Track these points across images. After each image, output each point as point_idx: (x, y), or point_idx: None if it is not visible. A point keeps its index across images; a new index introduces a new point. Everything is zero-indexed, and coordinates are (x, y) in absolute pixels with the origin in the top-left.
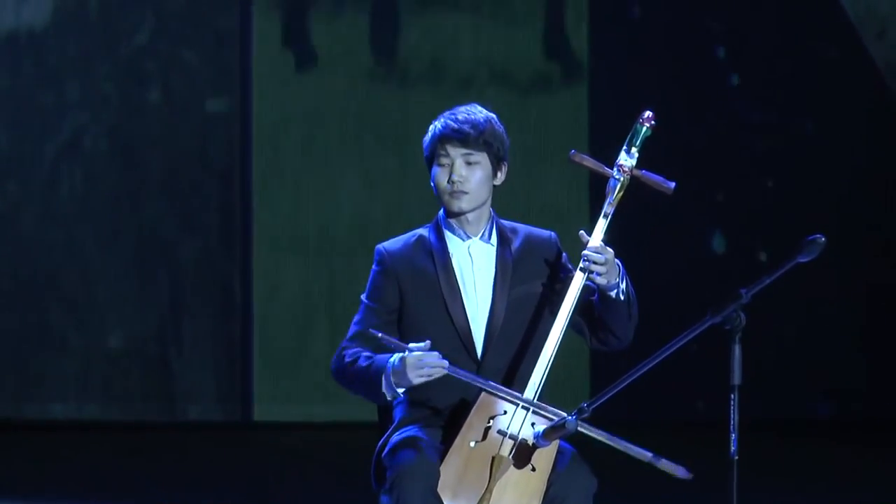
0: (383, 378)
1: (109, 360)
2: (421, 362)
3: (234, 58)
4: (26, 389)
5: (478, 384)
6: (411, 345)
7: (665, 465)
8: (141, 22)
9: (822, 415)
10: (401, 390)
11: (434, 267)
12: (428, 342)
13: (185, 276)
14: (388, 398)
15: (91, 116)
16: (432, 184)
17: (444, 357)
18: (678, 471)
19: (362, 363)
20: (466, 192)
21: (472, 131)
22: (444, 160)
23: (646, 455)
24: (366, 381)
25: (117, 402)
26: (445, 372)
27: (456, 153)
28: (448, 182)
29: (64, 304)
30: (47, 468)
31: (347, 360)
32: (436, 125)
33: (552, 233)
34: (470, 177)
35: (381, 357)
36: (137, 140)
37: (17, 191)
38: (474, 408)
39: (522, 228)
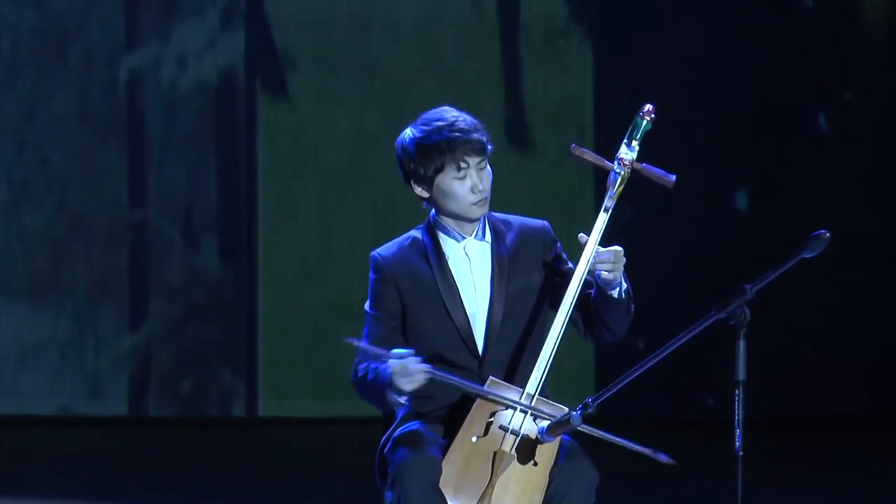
0: (385, 389)
1: (113, 357)
2: (406, 370)
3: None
4: (30, 383)
5: (459, 385)
6: (394, 351)
7: (664, 458)
8: None
9: (828, 411)
10: (403, 398)
11: (430, 269)
12: (411, 350)
13: (190, 273)
14: (395, 408)
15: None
16: (443, 192)
17: (445, 357)
18: (661, 457)
19: (369, 377)
20: (487, 198)
21: (483, 138)
22: (464, 171)
23: (646, 451)
24: (375, 394)
25: (122, 399)
26: (429, 377)
27: (472, 162)
28: (473, 192)
29: (68, 299)
30: (52, 465)
31: (360, 374)
32: (434, 136)
33: (545, 222)
34: (486, 183)
35: (382, 368)
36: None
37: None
38: (476, 403)
39: (515, 220)
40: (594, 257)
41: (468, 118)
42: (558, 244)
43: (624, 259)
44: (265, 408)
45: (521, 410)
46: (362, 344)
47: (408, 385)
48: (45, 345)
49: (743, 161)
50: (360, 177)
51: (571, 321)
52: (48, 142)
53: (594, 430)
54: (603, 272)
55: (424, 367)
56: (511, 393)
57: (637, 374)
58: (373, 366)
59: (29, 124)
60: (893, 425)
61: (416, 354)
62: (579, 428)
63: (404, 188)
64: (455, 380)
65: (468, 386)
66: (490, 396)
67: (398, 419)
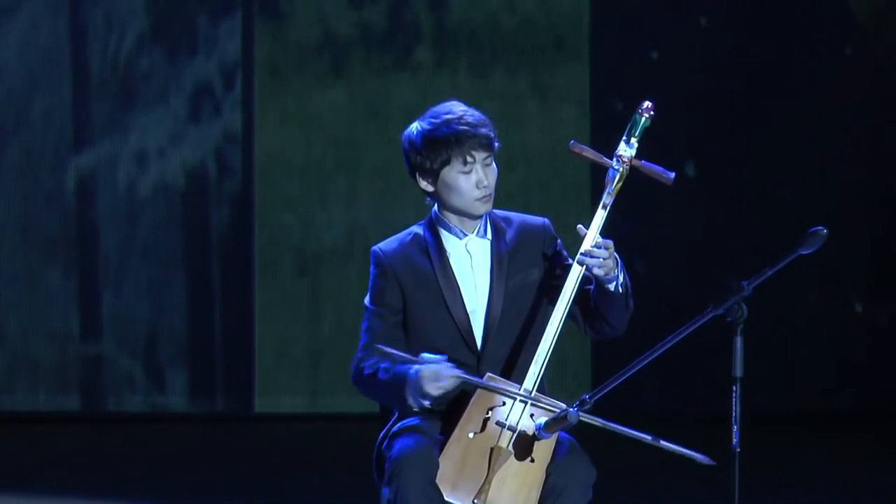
0: (406, 390)
1: (109, 353)
2: (437, 375)
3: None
4: (25, 379)
5: (488, 387)
6: (424, 356)
7: (667, 446)
8: None
9: (826, 408)
10: (426, 402)
11: (431, 265)
12: (443, 356)
13: (186, 268)
14: (416, 408)
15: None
16: (448, 185)
17: (443, 352)
18: (696, 456)
19: (382, 376)
20: (491, 195)
21: (491, 134)
22: (470, 166)
23: (646, 438)
24: (389, 394)
25: (119, 396)
26: (459, 381)
27: (479, 157)
28: (478, 188)
29: (67, 296)
30: (51, 461)
31: (367, 372)
32: (442, 129)
33: (545, 219)
34: (491, 179)
35: (399, 369)
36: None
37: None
38: (473, 399)
39: (515, 217)
40: (589, 248)
41: (476, 113)
42: (559, 241)
43: (615, 253)
44: (261, 404)
45: (521, 401)
46: (394, 351)
47: (437, 390)
48: None
49: (740, 158)
50: (355, 175)
51: (571, 316)
52: None
53: (593, 418)
54: (594, 267)
55: (458, 371)
56: (509, 389)
57: (635, 370)
58: (384, 365)
59: None
60: (891, 422)
61: (422, 353)
62: (580, 418)
63: (393, 190)
64: (485, 384)
65: (502, 390)
66: (540, 404)
67: (396, 415)
